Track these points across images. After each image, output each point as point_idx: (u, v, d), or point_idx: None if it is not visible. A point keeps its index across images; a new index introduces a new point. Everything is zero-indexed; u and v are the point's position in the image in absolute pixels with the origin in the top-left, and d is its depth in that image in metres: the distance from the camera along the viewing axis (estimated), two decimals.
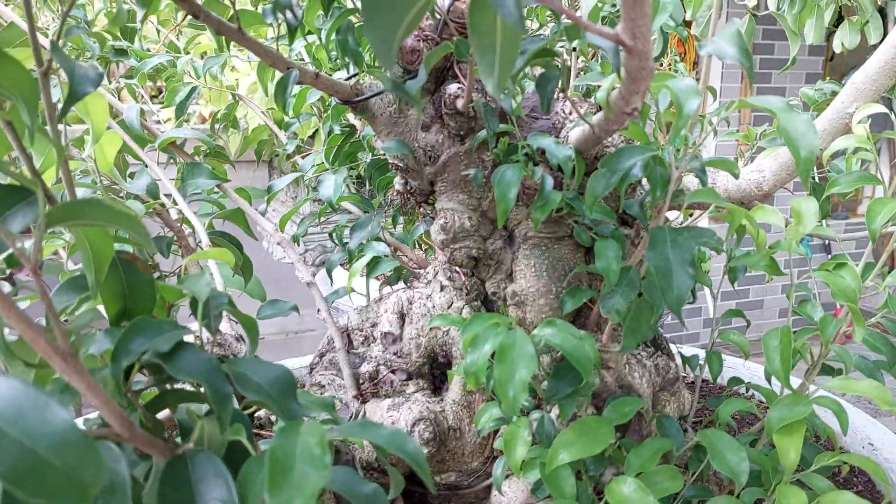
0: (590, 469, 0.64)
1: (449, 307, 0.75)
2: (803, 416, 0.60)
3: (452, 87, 0.66)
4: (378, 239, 0.86)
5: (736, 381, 0.84)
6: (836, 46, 0.99)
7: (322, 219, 0.95)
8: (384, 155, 0.85)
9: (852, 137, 0.71)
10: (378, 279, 0.93)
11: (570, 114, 0.69)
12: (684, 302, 0.52)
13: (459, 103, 0.66)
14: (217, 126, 1.14)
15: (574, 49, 0.85)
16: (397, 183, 0.75)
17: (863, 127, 0.72)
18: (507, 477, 0.70)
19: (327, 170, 0.92)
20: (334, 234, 0.94)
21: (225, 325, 0.72)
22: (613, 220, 0.62)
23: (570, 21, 0.55)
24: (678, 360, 0.81)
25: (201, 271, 0.77)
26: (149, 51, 1.12)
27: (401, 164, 0.71)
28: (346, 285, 0.82)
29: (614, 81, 0.51)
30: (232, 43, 0.96)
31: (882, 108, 0.72)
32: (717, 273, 3.81)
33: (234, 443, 0.43)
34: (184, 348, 0.43)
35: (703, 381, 1.11)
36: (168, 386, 0.47)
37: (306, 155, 1.00)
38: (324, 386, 0.81)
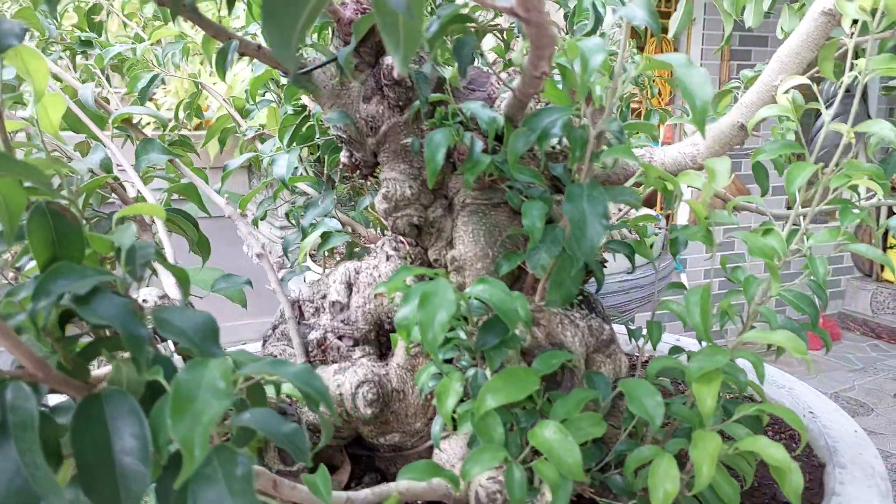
0: (521, 421, 0.66)
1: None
2: (720, 365, 0.63)
3: (389, 59, 0.69)
4: (331, 216, 0.89)
5: (676, 349, 0.86)
6: (778, 33, 1.03)
7: (278, 201, 0.97)
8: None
9: (776, 107, 0.74)
10: (331, 257, 0.96)
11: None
12: (596, 250, 0.55)
13: (396, 73, 0.69)
14: (182, 115, 1.17)
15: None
16: (343, 156, 0.78)
17: (787, 98, 0.75)
18: (445, 437, 0.73)
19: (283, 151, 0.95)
20: (290, 215, 0.97)
21: (174, 292, 0.75)
22: (542, 182, 0.65)
23: None
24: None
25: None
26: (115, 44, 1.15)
27: (344, 136, 0.74)
28: (298, 260, 0.85)
29: (524, 47, 0.55)
30: (193, 27, 0.99)
31: (805, 80, 0.75)
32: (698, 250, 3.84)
33: (158, 385, 0.45)
34: (100, 293, 0.44)
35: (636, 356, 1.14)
36: (105, 333, 0.50)
37: (266, 138, 1.03)
38: (276, 356, 0.83)
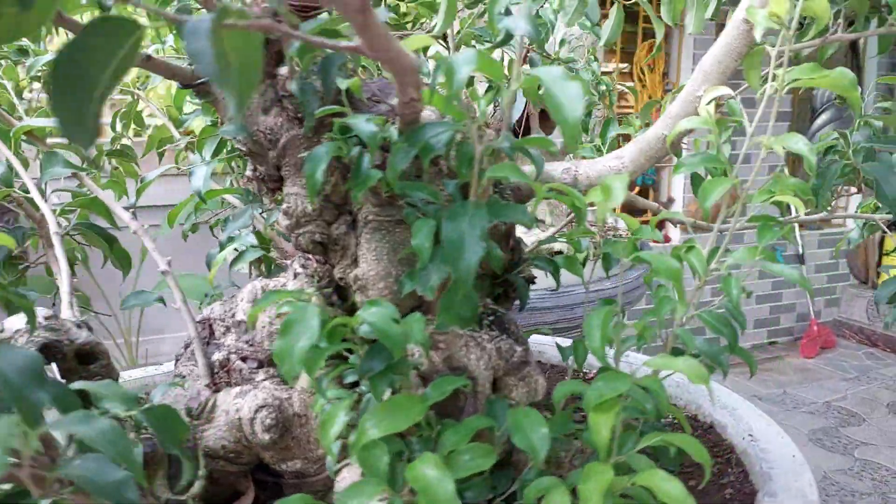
0: (415, 451, 0.63)
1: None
2: (619, 393, 0.60)
3: (284, 69, 0.66)
4: (253, 230, 0.86)
5: (606, 370, 0.83)
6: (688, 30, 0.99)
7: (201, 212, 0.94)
8: None
9: (695, 119, 0.71)
10: (250, 273, 0.93)
11: None
12: (472, 272, 0.52)
13: (290, 85, 0.66)
14: (118, 125, 1.14)
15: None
16: (248, 169, 0.75)
17: (707, 109, 0.72)
18: (347, 465, 0.69)
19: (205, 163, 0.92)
20: (213, 229, 0.94)
21: (67, 312, 0.72)
22: (438, 199, 0.62)
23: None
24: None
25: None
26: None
27: (244, 149, 0.71)
28: (209, 277, 0.82)
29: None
30: None
31: (728, 91, 0.72)
32: (690, 283, 3.80)
33: None
34: None
35: (585, 372, 1.10)
36: None
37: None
38: (184, 376, 0.80)
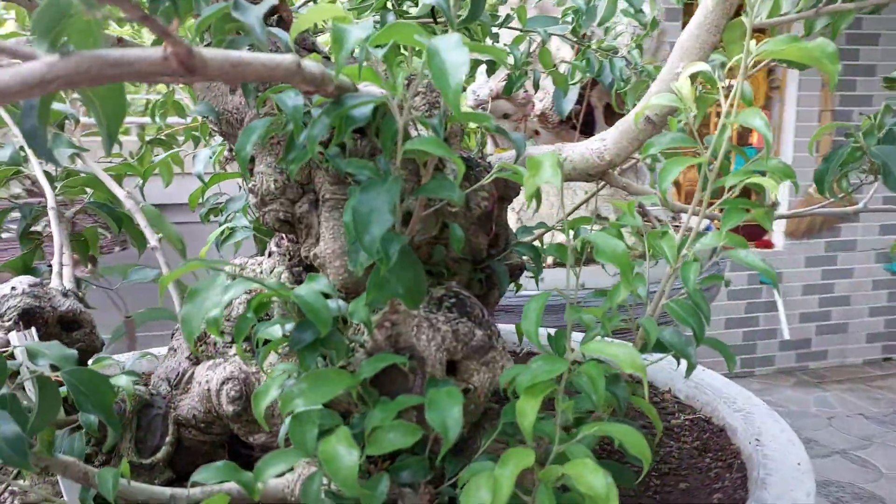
0: (354, 425, 0.63)
1: (272, 272, 0.77)
2: (552, 376, 0.58)
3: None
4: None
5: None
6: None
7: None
8: None
9: (665, 96, 0.67)
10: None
11: None
12: (374, 248, 0.52)
13: None
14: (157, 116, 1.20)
15: None
16: (226, 150, 0.77)
17: (681, 85, 0.68)
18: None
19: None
20: (214, 212, 0.97)
21: (56, 281, 0.77)
22: (374, 173, 0.62)
23: None
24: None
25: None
26: None
27: (216, 129, 0.74)
28: (201, 253, 0.85)
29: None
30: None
31: (705, 66, 0.67)
32: (796, 292, 3.59)
33: None
34: None
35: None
36: None
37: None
38: (175, 349, 0.84)
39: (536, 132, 2.05)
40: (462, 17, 0.71)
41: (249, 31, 0.47)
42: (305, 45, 0.74)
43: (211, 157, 0.87)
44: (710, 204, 0.66)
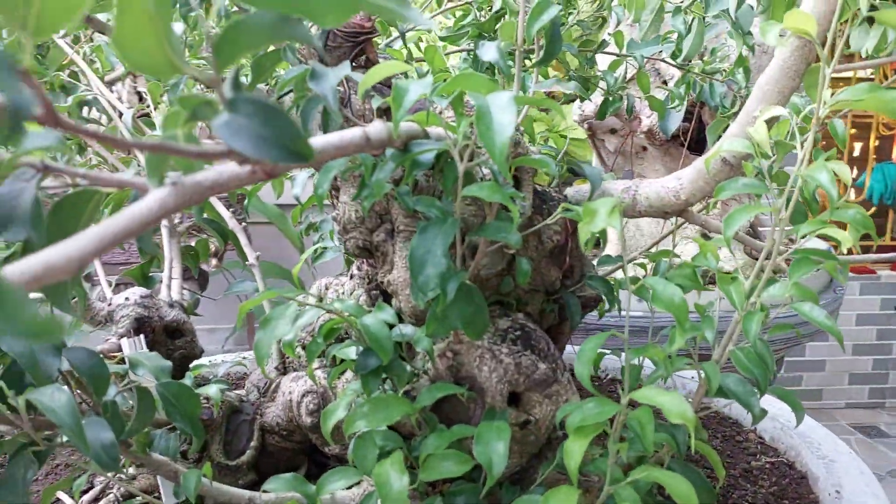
0: (413, 449, 0.67)
1: (352, 293, 0.82)
2: (601, 419, 0.59)
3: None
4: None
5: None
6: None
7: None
8: None
9: (737, 141, 0.66)
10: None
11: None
12: (427, 287, 0.55)
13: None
14: None
15: None
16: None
17: (762, 130, 0.67)
18: None
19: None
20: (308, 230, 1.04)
21: (164, 293, 0.85)
22: (440, 212, 0.65)
23: None
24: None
25: None
26: None
27: None
28: (294, 270, 0.91)
29: None
30: None
31: (783, 111, 0.66)
32: (848, 322, 3.32)
33: None
34: None
35: None
36: None
37: None
38: (269, 359, 0.91)
39: (644, 148, 2.02)
40: (538, 56, 0.72)
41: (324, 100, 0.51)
42: (388, 84, 0.79)
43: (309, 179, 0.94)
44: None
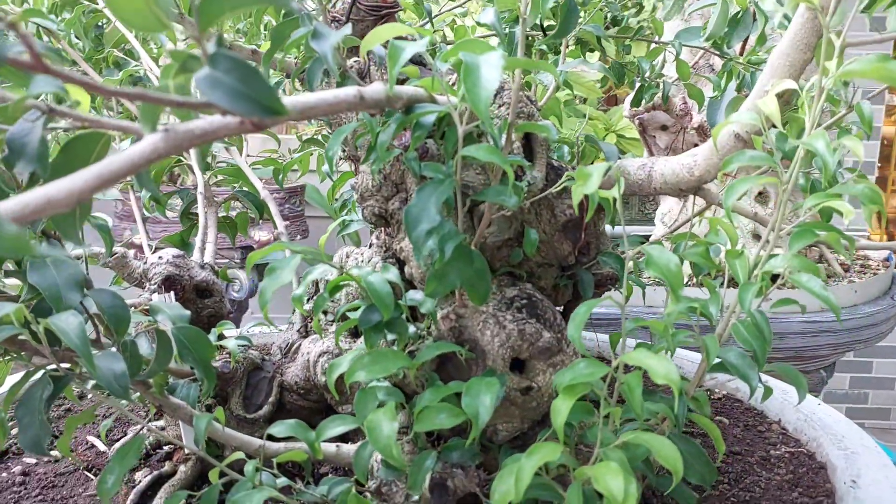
0: (415, 406, 0.69)
1: (369, 261, 0.85)
2: (590, 379, 0.60)
3: (350, 61, 0.76)
4: None
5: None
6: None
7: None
8: None
9: (746, 114, 0.66)
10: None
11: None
12: (420, 243, 0.57)
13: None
14: None
15: None
16: (339, 151, 0.86)
17: (772, 104, 0.66)
18: None
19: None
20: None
21: (197, 255, 0.90)
22: (444, 175, 0.67)
23: None
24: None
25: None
26: None
27: (330, 131, 0.83)
28: (320, 243, 0.95)
29: None
30: None
31: (793, 85, 0.66)
32: None
33: None
34: None
35: None
36: None
37: None
38: (292, 323, 0.95)
39: (696, 145, 1.98)
40: (553, 30, 0.74)
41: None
42: (413, 60, 0.81)
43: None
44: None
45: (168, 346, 0.67)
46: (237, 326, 1.02)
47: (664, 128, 1.99)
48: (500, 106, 0.74)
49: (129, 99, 0.33)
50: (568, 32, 0.74)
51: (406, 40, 0.56)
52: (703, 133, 1.88)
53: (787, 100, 0.75)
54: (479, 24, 1.10)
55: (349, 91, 0.49)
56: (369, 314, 0.67)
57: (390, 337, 0.70)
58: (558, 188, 0.68)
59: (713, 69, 1.89)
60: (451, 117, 0.61)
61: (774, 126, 0.66)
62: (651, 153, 2.08)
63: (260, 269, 2.49)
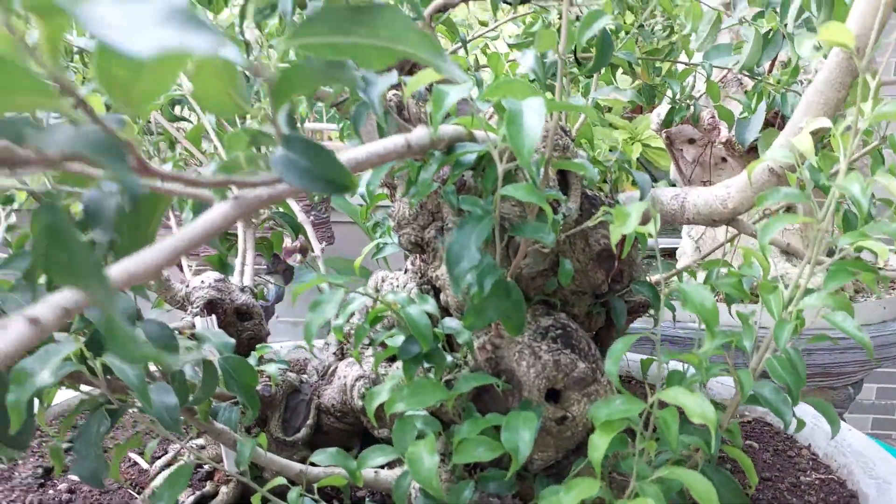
0: (452, 437, 0.70)
1: (404, 287, 0.86)
2: (629, 415, 0.61)
3: (390, 94, 0.78)
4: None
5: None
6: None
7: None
8: None
9: (780, 151, 0.67)
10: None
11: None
12: (461, 279, 0.59)
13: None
14: None
15: None
16: (386, 178, 0.88)
17: (806, 141, 0.67)
18: None
19: None
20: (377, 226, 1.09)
21: (237, 278, 0.92)
22: (482, 209, 0.69)
23: None
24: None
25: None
26: None
27: None
28: (355, 265, 0.97)
29: None
30: None
31: (828, 123, 0.66)
32: None
33: None
34: None
35: None
36: None
37: None
38: (328, 344, 0.97)
39: (724, 159, 1.98)
40: (588, 65, 0.75)
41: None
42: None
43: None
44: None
45: (214, 374, 0.69)
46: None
47: (691, 141, 1.99)
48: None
49: (215, 186, 0.35)
50: (604, 65, 0.75)
51: (449, 83, 0.58)
52: (730, 147, 1.87)
53: (820, 135, 0.76)
54: (510, 46, 1.12)
55: (397, 141, 0.51)
56: (409, 346, 0.69)
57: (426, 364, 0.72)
58: (594, 222, 0.69)
59: (741, 83, 1.88)
60: (490, 155, 0.63)
61: (808, 164, 0.67)
62: (678, 166, 2.08)
63: (286, 275, 2.52)
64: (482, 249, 0.59)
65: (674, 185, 2.23)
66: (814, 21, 1.00)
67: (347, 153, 0.46)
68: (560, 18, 1.01)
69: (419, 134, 0.55)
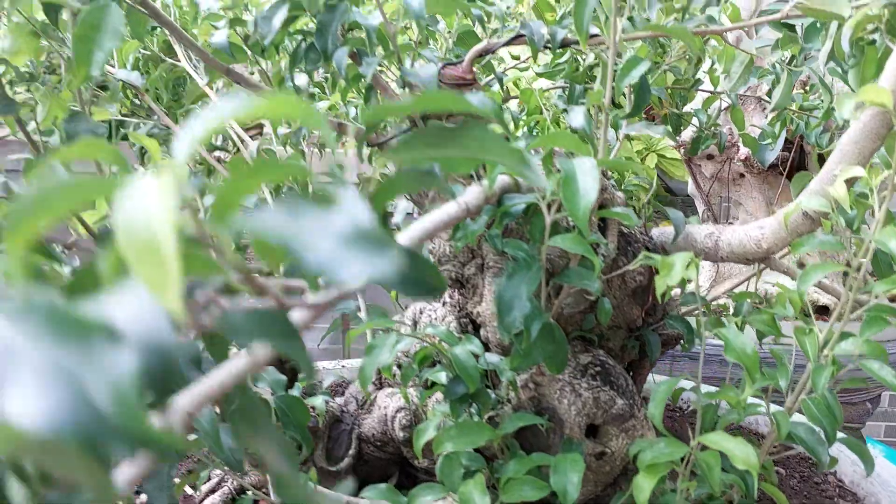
0: (495, 470, 0.73)
1: (443, 319, 0.89)
2: (672, 458, 0.63)
3: None
4: None
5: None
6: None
7: None
8: None
9: (815, 200, 0.69)
10: None
11: None
12: (513, 328, 0.61)
13: None
14: None
15: None
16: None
17: (841, 190, 0.69)
18: None
19: None
20: None
21: None
22: (527, 254, 0.71)
23: None
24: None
25: None
26: None
27: (408, 196, 0.87)
28: (392, 294, 1.00)
29: None
30: None
31: (862, 172, 0.69)
32: None
33: None
34: None
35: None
36: None
37: None
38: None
39: (742, 175, 2.00)
40: (625, 111, 0.77)
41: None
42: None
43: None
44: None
45: (268, 412, 0.72)
46: None
47: (710, 157, 2.01)
48: None
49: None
50: (641, 111, 0.78)
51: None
52: (749, 165, 1.89)
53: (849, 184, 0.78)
54: (539, 74, 1.14)
55: (457, 207, 0.54)
56: (455, 386, 0.71)
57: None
58: (635, 266, 0.72)
59: (760, 100, 1.90)
60: (537, 205, 0.65)
61: (842, 212, 0.69)
62: (696, 181, 2.10)
63: None
64: (532, 298, 0.62)
65: (691, 199, 2.24)
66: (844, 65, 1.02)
67: (417, 226, 0.48)
68: (595, 58, 1.04)
69: (474, 194, 0.58)
